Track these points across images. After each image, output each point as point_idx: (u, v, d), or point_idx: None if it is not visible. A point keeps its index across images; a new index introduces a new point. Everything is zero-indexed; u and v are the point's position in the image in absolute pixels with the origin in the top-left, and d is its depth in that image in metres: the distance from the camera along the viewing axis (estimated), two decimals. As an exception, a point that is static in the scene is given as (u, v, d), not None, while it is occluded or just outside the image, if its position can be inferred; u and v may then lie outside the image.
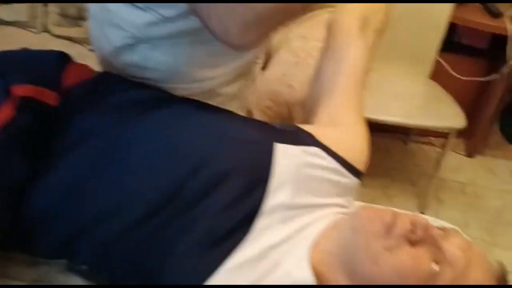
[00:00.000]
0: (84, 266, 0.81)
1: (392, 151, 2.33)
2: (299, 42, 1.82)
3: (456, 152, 2.33)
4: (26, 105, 0.73)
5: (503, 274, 0.69)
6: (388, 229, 0.65)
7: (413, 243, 0.65)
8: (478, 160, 2.32)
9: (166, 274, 0.68)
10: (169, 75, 0.87)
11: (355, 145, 0.85)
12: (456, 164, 2.28)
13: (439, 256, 0.64)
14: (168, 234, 0.69)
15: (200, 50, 0.85)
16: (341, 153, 0.81)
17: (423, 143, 2.38)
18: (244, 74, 0.99)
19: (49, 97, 0.77)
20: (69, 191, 0.72)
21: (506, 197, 2.14)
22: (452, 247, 0.65)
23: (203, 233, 0.68)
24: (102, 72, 0.88)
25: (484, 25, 1.97)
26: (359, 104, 0.90)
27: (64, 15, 2.14)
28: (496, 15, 1.95)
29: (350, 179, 0.81)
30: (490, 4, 1.99)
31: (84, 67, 0.85)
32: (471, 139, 2.33)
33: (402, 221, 0.66)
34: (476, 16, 1.98)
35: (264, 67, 1.96)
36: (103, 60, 0.92)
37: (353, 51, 0.92)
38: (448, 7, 1.88)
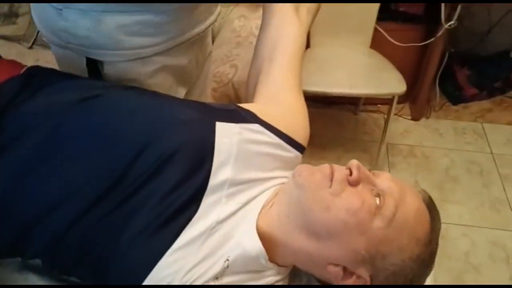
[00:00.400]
0: (38, 259, 0.81)
1: (343, 122, 2.39)
2: (240, 22, 1.85)
3: (403, 117, 2.42)
4: None
5: (429, 197, 0.76)
6: (330, 177, 0.71)
7: (353, 184, 0.71)
8: (423, 123, 2.42)
9: (117, 259, 0.68)
10: (99, 42, 0.87)
11: (296, 120, 0.88)
12: (403, 129, 2.37)
13: (377, 191, 0.71)
14: (116, 219, 0.69)
15: (130, 19, 0.86)
16: (281, 128, 0.83)
17: (372, 111, 2.45)
18: (188, 46, 0.99)
19: None
20: (9, 190, 0.72)
21: (452, 155, 2.24)
22: (385, 181, 0.72)
23: (152, 215, 0.69)
24: (32, 66, 0.86)
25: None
26: (298, 81, 0.93)
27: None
28: (428, -19, 2.02)
29: (292, 153, 0.84)
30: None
31: (12, 63, 0.83)
32: (416, 104, 2.42)
33: (338, 168, 0.72)
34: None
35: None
36: (45, 36, 0.93)
37: (288, 30, 0.94)
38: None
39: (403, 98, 2.20)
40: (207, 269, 0.69)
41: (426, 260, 0.73)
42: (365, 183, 0.72)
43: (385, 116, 2.39)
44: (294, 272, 0.82)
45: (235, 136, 0.77)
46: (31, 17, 1.81)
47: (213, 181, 0.73)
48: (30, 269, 0.85)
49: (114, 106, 0.78)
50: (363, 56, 2.00)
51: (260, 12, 1.78)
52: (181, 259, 0.68)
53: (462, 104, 2.53)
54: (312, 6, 0.99)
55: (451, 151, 2.24)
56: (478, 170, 2.15)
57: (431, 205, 0.75)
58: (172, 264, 0.67)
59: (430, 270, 0.75)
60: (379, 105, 2.46)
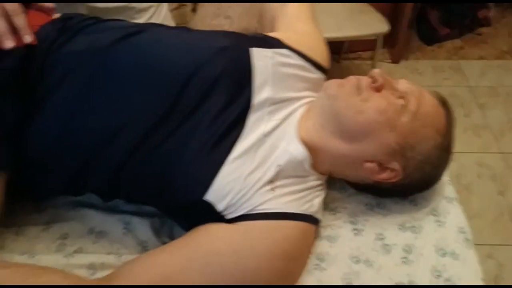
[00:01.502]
0: (92, 194, 0.86)
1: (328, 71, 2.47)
2: (226, -25, 1.87)
3: (384, 62, 2.51)
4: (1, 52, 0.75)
5: (440, 95, 0.85)
6: (358, 86, 0.79)
7: (378, 89, 0.79)
8: (403, 64, 2.52)
9: (180, 177, 0.75)
10: None
11: (317, 45, 0.95)
12: (386, 71, 2.45)
13: (399, 94, 0.80)
14: (174, 142, 0.75)
15: None
16: (306, 52, 0.90)
17: (354, 58, 2.54)
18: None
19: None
20: (68, 121, 0.76)
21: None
22: (404, 84, 0.82)
23: (206, 134, 0.76)
24: (65, 13, 0.89)
25: None
26: (311, 13, 1.00)
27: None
28: None
29: (316, 74, 0.92)
30: None
31: (41, 11, 0.85)
32: (394, 47, 2.51)
33: (363, 78, 0.81)
34: None
35: (194, 9, 1.99)
36: None
37: None
38: None
39: (382, 42, 2.28)
40: (262, 174, 0.76)
41: (447, 147, 0.83)
42: (388, 88, 0.80)
43: (367, 62, 2.49)
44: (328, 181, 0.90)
45: (269, 59, 0.84)
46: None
47: (255, 100, 0.80)
48: (84, 205, 0.91)
49: (158, 41, 0.83)
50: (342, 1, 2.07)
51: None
52: (239, 168, 0.75)
53: (437, 44, 2.65)
54: None
55: (432, 88, 2.34)
56: (458, 102, 2.28)
57: (444, 101, 0.85)
58: (232, 172, 0.74)
59: (450, 157, 0.85)
60: (360, 52, 2.55)
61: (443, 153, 0.83)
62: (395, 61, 2.53)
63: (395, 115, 0.78)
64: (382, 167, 0.81)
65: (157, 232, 0.87)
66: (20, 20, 0.76)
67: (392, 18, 2.39)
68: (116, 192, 0.82)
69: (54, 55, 0.79)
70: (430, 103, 0.82)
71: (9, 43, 0.74)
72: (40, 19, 0.83)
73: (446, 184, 0.93)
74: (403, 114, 0.78)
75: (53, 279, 0.67)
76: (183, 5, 2.01)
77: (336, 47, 2.47)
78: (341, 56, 2.52)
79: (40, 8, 0.85)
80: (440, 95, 0.87)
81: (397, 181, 0.82)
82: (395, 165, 0.80)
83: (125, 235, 0.86)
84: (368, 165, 0.80)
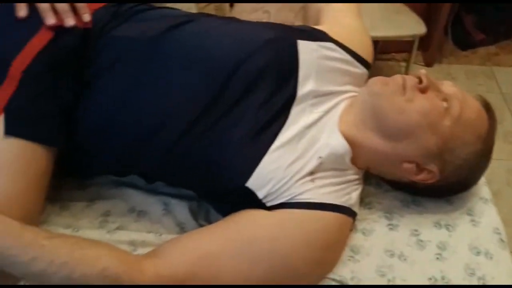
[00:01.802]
0: (138, 175, 0.89)
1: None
2: (265, -29, 1.89)
3: (417, 64, 2.50)
4: (60, 30, 0.78)
5: (485, 100, 0.86)
6: (402, 86, 0.79)
7: (422, 90, 0.80)
8: (436, 68, 2.50)
9: (224, 163, 0.77)
10: None
11: (362, 40, 0.96)
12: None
13: (443, 96, 0.80)
14: (220, 130, 0.78)
15: None
16: (351, 46, 0.91)
17: (387, 59, 2.53)
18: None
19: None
20: (118, 107, 0.79)
21: (465, 96, 2.33)
22: (449, 87, 0.82)
23: (251, 123, 0.78)
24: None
25: None
26: (358, 9, 1.01)
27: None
28: None
29: (360, 69, 0.92)
30: None
31: None
32: (428, 50, 2.50)
33: (409, 78, 0.81)
34: None
35: (231, 4, 2.02)
36: None
37: None
38: None
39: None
40: (303, 165, 0.78)
41: (486, 153, 0.83)
42: (432, 90, 0.81)
43: (401, 63, 2.48)
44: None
45: (314, 52, 0.85)
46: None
47: (300, 92, 0.82)
48: (126, 185, 0.94)
49: (206, 30, 0.85)
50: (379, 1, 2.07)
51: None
52: (280, 157, 0.77)
53: (471, 50, 2.62)
54: None
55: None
56: (491, 108, 2.25)
57: (488, 107, 0.85)
58: (274, 161, 0.76)
59: (489, 162, 0.85)
60: (393, 54, 2.54)
61: (482, 159, 0.83)
62: (429, 64, 2.51)
63: (438, 118, 0.78)
64: (420, 168, 0.81)
65: (194, 214, 0.90)
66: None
67: (427, 21, 2.37)
68: (160, 176, 0.85)
69: (107, 39, 0.82)
70: (473, 108, 0.81)
71: (71, 21, 0.77)
72: (95, 3, 0.86)
73: (482, 185, 0.94)
74: (445, 117, 0.78)
75: (100, 252, 0.69)
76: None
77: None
78: (375, 57, 2.51)
79: None
80: (485, 99, 0.86)
81: (433, 183, 0.83)
82: (433, 167, 0.81)
83: (164, 216, 0.89)
84: (406, 165, 0.81)
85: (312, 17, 1.03)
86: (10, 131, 0.71)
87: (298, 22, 1.66)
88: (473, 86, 2.39)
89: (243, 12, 1.77)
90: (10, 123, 0.71)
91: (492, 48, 2.65)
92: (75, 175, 0.92)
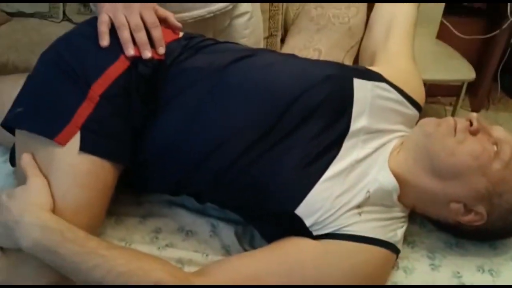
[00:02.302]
0: (190, 196, 0.94)
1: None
2: (317, 11, 1.96)
3: (463, 109, 2.49)
4: (136, 60, 0.85)
5: None
6: (454, 128, 0.82)
7: (473, 133, 0.82)
8: (483, 114, 2.48)
9: (275, 189, 0.81)
10: None
11: (415, 83, 0.98)
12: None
13: (494, 140, 0.82)
14: (273, 157, 0.82)
15: None
16: (404, 88, 0.94)
17: (433, 102, 2.53)
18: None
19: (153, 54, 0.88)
20: (182, 130, 0.85)
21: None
22: (499, 131, 0.84)
23: (304, 152, 0.82)
24: (187, 32, 0.99)
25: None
26: (412, 52, 1.04)
27: (83, 3, 2.23)
28: (494, -25, 2.10)
29: (412, 111, 0.95)
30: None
31: (170, 28, 0.96)
32: (476, 96, 2.49)
33: (460, 120, 0.84)
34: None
35: (283, 39, 2.09)
36: None
37: (402, 8, 1.06)
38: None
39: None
40: (351, 198, 0.81)
41: None
42: (483, 133, 0.83)
43: (446, 107, 2.48)
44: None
45: (368, 91, 0.89)
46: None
47: (352, 127, 0.86)
48: (177, 205, 0.99)
49: (269, 65, 0.90)
50: (431, 46, 2.09)
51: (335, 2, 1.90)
52: (330, 188, 0.80)
53: (520, 98, 2.59)
54: None
55: (512, 141, 2.29)
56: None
57: None
58: (323, 191, 0.79)
59: None
60: (439, 97, 2.54)
61: None
62: (476, 110, 2.49)
63: (488, 161, 0.80)
64: (467, 209, 0.83)
65: (239, 239, 0.93)
66: (157, 33, 0.86)
67: (477, 67, 2.38)
68: (211, 196, 0.89)
69: (177, 69, 0.89)
70: None
71: (148, 53, 0.85)
72: (168, 36, 0.93)
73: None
74: (495, 161, 0.80)
75: (154, 265, 0.74)
76: (273, 34, 2.12)
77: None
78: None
79: (169, 26, 0.95)
80: None
81: (480, 225, 0.83)
82: (481, 209, 0.82)
83: (211, 237, 0.93)
84: (454, 205, 0.82)
85: (367, 60, 1.07)
86: (85, 148, 0.78)
87: (347, 61, 1.70)
88: (521, 135, 2.35)
89: (294, 48, 1.82)
90: (85, 140, 0.78)
91: (543, 98, 2.61)
92: (132, 188, 0.97)
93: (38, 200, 0.74)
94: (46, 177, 0.77)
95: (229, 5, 1.22)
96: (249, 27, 1.34)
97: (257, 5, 1.39)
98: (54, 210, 0.75)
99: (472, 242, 0.91)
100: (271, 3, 2.05)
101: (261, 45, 1.47)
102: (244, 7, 1.28)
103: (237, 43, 1.02)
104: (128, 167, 0.86)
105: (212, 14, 1.18)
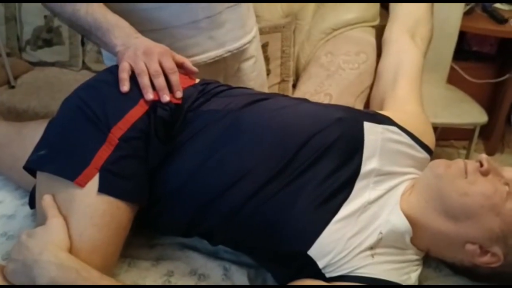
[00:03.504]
0: (199, 237, 0.94)
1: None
2: (327, 58, 2.01)
3: (478, 152, 2.47)
4: (155, 104, 0.89)
5: None
6: (464, 170, 0.83)
7: (484, 174, 0.82)
8: (498, 158, 2.46)
9: (287, 229, 0.81)
10: None
11: (424, 127, 1.00)
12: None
13: (505, 180, 0.82)
14: (285, 196, 0.83)
15: None
16: (413, 132, 0.96)
17: (446, 146, 2.53)
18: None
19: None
20: (197, 171, 0.86)
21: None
22: (510, 172, 0.84)
23: (316, 193, 0.82)
24: (203, 79, 1.04)
25: (491, 31, 2.15)
26: (420, 98, 1.07)
27: (101, 52, 2.32)
28: (501, 21, 2.14)
29: (423, 154, 0.96)
30: (494, 12, 2.17)
31: (187, 75, 1.00)
32: (490, 139, 2.48)
33: (470, 162, 0.84)
34: (483, 24, 2.17)
35: (295, 85, 2.14)
36: None
37: (408, 54, 1.09)
38: (458, 18, 2.07)
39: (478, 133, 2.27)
40: (363, 240, 0.80)
41: None
42: (494, 174, 0.83)
43: (460, 151, 2.47)
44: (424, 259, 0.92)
45: (379, 134, 0.90)
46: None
47: (363, 169, 0.86)
48: (189, 248, 0.99)
49: (282, 107, 0.93)
50: (442, 90, 2.12)
51: (345, 47, 1.96)
52: (342, 229, 0.80)
53: (535, 141, 2.57)
54: (425, 34, 1.14)
55: (529, 185, 2.26)
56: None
57: None
58: (335, 232, 0.79)
59: None
60: (452, 141, 2.54)
61: None
62: (490, 153, 2.48)
63: (501, 201, 0.79)
64: (483, 250, 0.82)
65: (252, 282, 0.93)
66: (175, 78, 0.90)
67: (490, 110, 2.39)
68: (224, 236, 0.90)
69: (193, 112, 0.92)
70: None
71: (166, 98, 0.88)
72: (185, 82, 0.97)
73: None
74: (508, 201, 0.80)
75: None
76: (285, 80, 2.17)
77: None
78: (433, 143, 2.52)
79: (186, 71, 0.99)
80: None
81: (496, 267, 0.82)
82: (497, 250, 0.81)
83: (223, 281, 0.92)
84: (469, 246, 0.81)
85: (377, 105, 1.10)
86: (102, 189, 0.80)
87: (358, 106, 1.73)
88: (538, 179, 2.32)
89: (306, 93, 1.86)
90: (103, 181, 0.80)
91: (558, 141, 2.59)
92: (145, 229, 0.98)
93: (57, 240, 0.76)
94: (65, 217, 0.79)
95: (245, 44, 1.28)
96: (255, 70, 1.40)
97: (260, 50, 1.46)
98: (70, 250, 0.76)
99: (490, 285, 0.89)
100: (282, 51, 2.12)
101: (266, 86, 1.53)
102: (250, 51, 1.34)
103: (250, 89, 1.05)
104: (143, 208, 0.88)
105: (229, 53, 1.23)
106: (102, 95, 0.87)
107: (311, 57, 2.10)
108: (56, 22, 2.26)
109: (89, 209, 0.79)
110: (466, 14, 2.15)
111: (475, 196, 0.80)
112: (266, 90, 1.50)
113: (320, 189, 0.83)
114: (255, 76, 1.41)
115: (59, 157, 0.83)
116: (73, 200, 0.80)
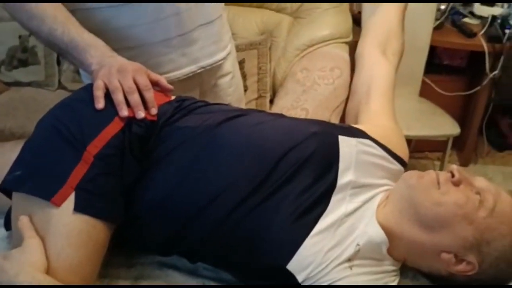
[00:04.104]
0: (178, 256, 0.94)
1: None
2: (303, 74, 2.05)
3: (452, 163, 2.52)
4: (130, 121, 0.89)
5: None
6: (436, 180, 0.85)
7: (456, 184, 0.84)
8: (472, 168, 2.52)
9: (266, 244, 0.82)
10: None
11: (396, 140, 1.02)
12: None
13: (476, 190, 0.84)
14: (264, 211, 0.83)
15: None
16: (386, 144, 0.98)
17: (421, 158, 2.58)
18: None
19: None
20: (174, 187, 0.87)
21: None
22: (481, 182, 0.86)
23: (293, 206, 0.84)
24: (179, 95, 1.04)
25: (461, 44, 2.23)
26: (392, 110, 1.09)
27: (78, 71, 2.31)
28: (470, 35, 2.21)
29: (396, 166, 0.98)
30: (463, 26, 2.25)
31: (162, 92, 1.01)
32: (463, 151, 2.54)
33: (441, 173, 0.87)
34: (452, 38, 2.24)
35: (272, 100, 2.16)
36: None
37: (379, 69, 1.12)
38: (428, 33, 2.13)
39: (451, 145, 2.33)
40: (341, 252, 0.82)
41: None
42: (465, 183, 0.85)
43: (434, 162, 2.52)
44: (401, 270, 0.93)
45: (353, 147, 0.92)
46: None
47: (340, 182, 0.88)
48: (169, 266, 0.98)
49: (259, 122, 0.94)
50: (415, 103, 2.17)
51: (320, 63, 2.00)
52: (320, 242, 0.81)
53: (508, 151, 2.64)
54: (396, 49, 1.17)
55: (502, 194, 2.32)
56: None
57: None
58: (313, 246, 0.81)
59: None
60: (427, 152, 2.59)
61: None
62: (464, 164, 2.54)
63: (473, 210, 0.82)
64: (459, 259, 0.83)
65: (232, 299, 0.93)
66: (149, 95, 0.90)
67: (462, 122, 2.46)
68: (203, 253, 0.90)
69: (170, 128, 0.92)
70: (507, 202, 0.85)
71: (141, 114, 0.88)
72: (160, 99, 0.97)
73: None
74: (480, 209, 0.82)
75: None
76: (262, 96, 2.20)
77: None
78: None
79: (162, 88, 0.99)
80: None
81: (471, 276, 0.84)
82: (472, 258, 0.83)
83: (204, 298, 0.92)
84: (445, 255, 0.83)
85: (352, 119, 1.12)
86: (78, 208, 0.79)
87: (334, 120, 1.76)
88: (511, 188, 2.38)
89: (283, 109, 1.89)
90: (79, 200, 0.80)
91: (530, 150, 2.67)
92: (124, 248, 0.97)
93: (33, 261, 0.75)
94: (42, 238, 0.78)
95: (219, 61, 1.30)
96: (232, 86, 1.42)
97: (237, 66, 1.48)
98: (48, 270, 0.76)
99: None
100: (259, 68, 2.15)
101: (243, 101, 1.55)
102: (226, 68, 1.37)
103: (227, 105, 1.06)
104: (121, 226, 0.87)
105: (202, 69, 1.26)
106: (77, 114, 0.87)
107: (287, 73, 2.13)
108: (31, 42, 2.24)
109: (66, 229, 0.78)
110: (436, 28, 2.21)
111: (448, 205, 0.82)
112: (243, 105, 1.51)
113: (297, 203, 0.84)
114: (232, 91, 1.43)
115: (34, 177, 0.82)
116: (49, 220, 0.79)
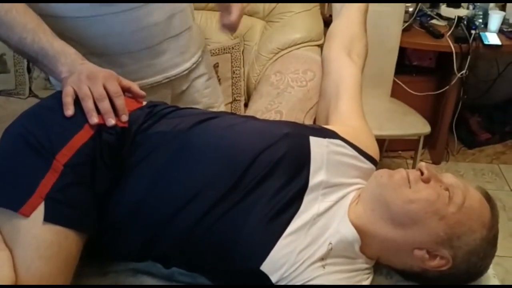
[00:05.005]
0: (153, 262, 0.93)
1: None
2: (276, 77, 2.06)
3: (424, 161, 2.58)
4: (100, 128, 0.88)
5: (485, 191, 0.91)
6: (407, 179, 0.87)
7: (425, 181, 0.86)
8: (444, 166, 2.58)
9: (239, 247, 0.82)
10: None
11: (366, 139, 1.04)
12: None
13: (445, 186, 0.86)
14: (236, 214, 0.84)
15: None
16: (357, 144, 0.99)
17: (394, 157, 2.63)
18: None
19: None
20: (147, 193, 0.86)
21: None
22: (450, 178, 0.88)
23: (266, 209, 0.84)
24: (150, 101, 1.04)
25: (429, 45, 2.27)
26: (361, 110, 1.11)
27: (49, 79, 2.28)
28: (438, 36, 2.26)
29: (367, 165, 1.00)
30: (431, 27, 2.30)
31: (133, 98, 1.00)
32: (435, 149, 2.59)
33: (412, 171, 0.89)
34: (421, 39, 2.28)
35: (247, 104, 2.17)
36: None
37: (346, 71, 1.13)
38: (397, 34, 2.17)
39: (423, 143, 2.37)
40: (314, 251, 0.83)
41: (492, 240, 0.87)
42: (434, 180, 0.87)
43: (408, 160, 2.57)
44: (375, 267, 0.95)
45: (324, 148, 0.93)
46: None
47: (312, 182, 0.89)
48: (143, 273, 0.97)
49: (230, 125, 0.95)
50: (386, 104, 2.20)
51: (293, 65, 2.02)
52: (293, 243, 0.82)
53: (478, 148, 2.71)
54: (360, 51, 1.19)
55: (473, 190, 2.38)
56: (500, 206, 2.28)
57: (488, 196, 0.91)
58: (286, 246, 0.81)
59: (495, 251, 0.89)
60: (400, 151, 2.64)
61: (488, 246, 0.87)
62: (436, 162, 2.59)
63: (443, 206, 0.84)
64: (432, 254, 0.85)
65: (208, 303, 0.93)
66: (120, 101, 0.90)
67: (432, 121, 2.51)
68: (177, 258, 0.89)
69: (141, 135, 0.92)
70: (475, 197, 0.87)
71: (112, 121, 0.87)
72: (131, 105, 0.97)
73: (492, 277, 0.96)
74: (450, 205, 0.84)
75: None
76: (237, 99, 2.20)
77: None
78: (382, 154, 2.61)
79: (133, 94, 0.99)
80: (485, 190, 0.92)
81: (444, 271, 0.86)
82: (445, 253, 0.84)
83: (180, 303, 0.92)
84: (417, 252, 0.85)
85: (322, 120, 1.13)
86: (48, 218, 0.78)
87: (308, 122, 1.77)
88: (482, 184, 2.44)
89: (257, 111, 1.90)
90: (49, 211, 0.78)
91: (499, 147, 2.74)
92: (97, 257, 0.96)
93: (1, 275, 0.73)
94: (11, 250, 0.77)
95: (185, 71, 1.30)
96: (209, 86, 1.42)
97: (212, 67, 1.49)
98: (18, 283, 0.74)
99: (439, 288, 0.93)
100: (233, 72, 2.16)
101: (222, 100, 1.54)
102: (200, 70, 1.37)
103: (198, 108, 1.06)
104: (93, 235, 0.86)
105: (168, 80, 1.26)
106: (45, 121, 0.86)
107: (261, 76, 2.15)
108: (0, 50, 2.20)
109: (36, 240, 0.77)
110: (405, 30, 2.26)
111: (420, 202, 0.84)
112: (223, 106, 1.52)
113: (270, 205, 0.84)
114: (209, 93, 1.43)
115: (1, 187, 0.80)
116: (18, 231, 0.77)
